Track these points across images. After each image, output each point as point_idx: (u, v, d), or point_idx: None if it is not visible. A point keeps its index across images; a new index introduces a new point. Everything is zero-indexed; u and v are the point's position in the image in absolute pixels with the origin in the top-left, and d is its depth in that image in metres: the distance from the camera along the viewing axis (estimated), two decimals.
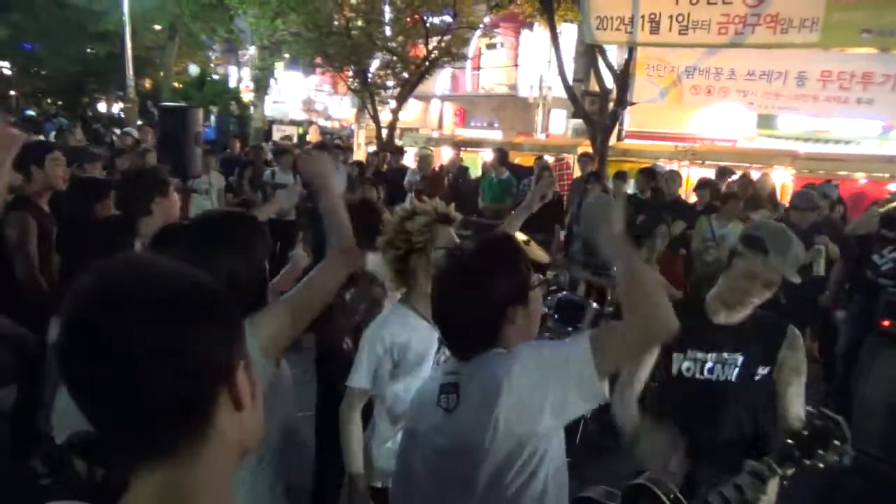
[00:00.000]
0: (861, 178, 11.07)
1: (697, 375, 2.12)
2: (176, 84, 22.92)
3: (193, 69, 24.09)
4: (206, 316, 0.77)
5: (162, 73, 22.75)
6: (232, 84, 25.50)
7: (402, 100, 15.96)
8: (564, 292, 5.21)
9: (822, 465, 1.81)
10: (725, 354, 2.10)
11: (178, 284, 0.77)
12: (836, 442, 1.80)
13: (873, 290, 4.82)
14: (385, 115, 16.37)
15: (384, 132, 15.86)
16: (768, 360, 2.08)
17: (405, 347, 2.18)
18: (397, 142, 15.85)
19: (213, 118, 19.99)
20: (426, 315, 2.12)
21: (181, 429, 0.76)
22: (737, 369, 2.08)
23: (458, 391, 1.46)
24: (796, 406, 2.08)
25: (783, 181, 10.48)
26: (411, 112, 20.95)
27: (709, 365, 2.11)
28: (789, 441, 1.87)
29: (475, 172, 11.30)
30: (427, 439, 1.52)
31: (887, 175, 10.30)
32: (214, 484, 0.78)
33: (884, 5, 6.41)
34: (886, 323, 4.38)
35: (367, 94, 16.02)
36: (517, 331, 1.47)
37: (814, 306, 5.48)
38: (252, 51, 20.02)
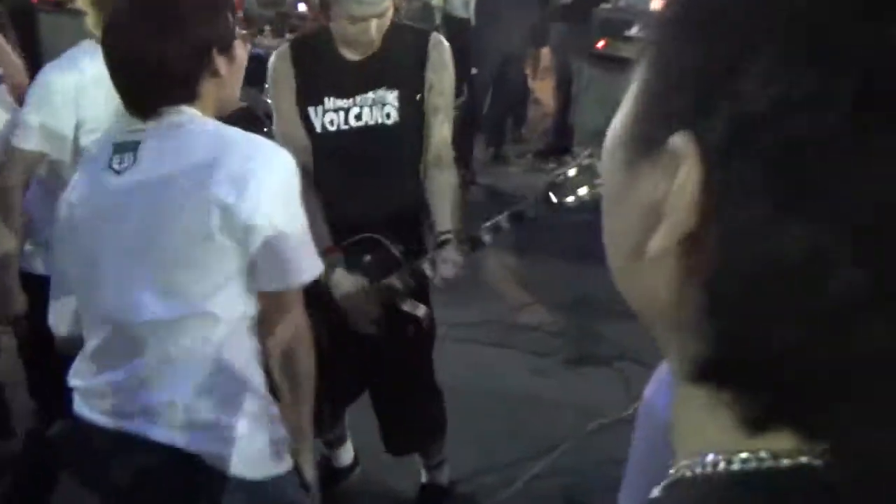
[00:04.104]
0: None
1: (343, 126, 1.80)
2: None
3: None
4: None
5: None
6: None
7: None
8: None
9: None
10: (371, 94, 1.78)
11: None
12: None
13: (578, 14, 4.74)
14: None
15: None
16: (420, 85, 1.81)
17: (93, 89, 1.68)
18: None
19: None
20: None
21: None
22: (391, 108, 1.79)
23: (135, 151, 1.18)
24: (443, 131, 1.88)
25: None
26: None
27: (355, 111, 1.79)
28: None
29: None
30: (84, 209, 1.23)
31: None
32: None
33: None
34: (602, 44, 4.34)
35: None
36: (218, 87, 1.24)
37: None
38: None
